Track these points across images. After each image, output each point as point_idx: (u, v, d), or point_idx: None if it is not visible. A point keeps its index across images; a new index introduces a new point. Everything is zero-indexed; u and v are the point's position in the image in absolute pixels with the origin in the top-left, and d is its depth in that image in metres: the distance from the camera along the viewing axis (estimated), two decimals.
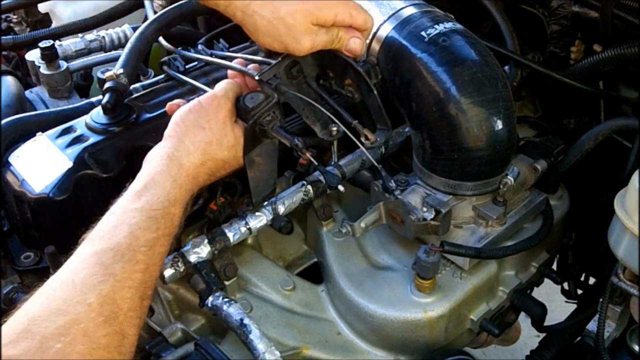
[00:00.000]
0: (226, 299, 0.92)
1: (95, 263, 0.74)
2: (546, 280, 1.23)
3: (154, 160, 0.86)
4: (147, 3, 1.35)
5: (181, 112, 0.91)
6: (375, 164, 0.95)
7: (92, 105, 1.12)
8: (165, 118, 0.96)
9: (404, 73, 1.00)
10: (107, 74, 1.05)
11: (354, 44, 0.92)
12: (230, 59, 1.07)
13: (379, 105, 0.93)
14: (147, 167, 0.86)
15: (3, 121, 1.06)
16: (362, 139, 0.90)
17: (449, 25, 1.00)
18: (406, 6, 1.03)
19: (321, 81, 0.98)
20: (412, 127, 1.04)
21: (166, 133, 0.90)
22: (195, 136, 0.88)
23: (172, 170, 0.85)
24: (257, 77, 0.91)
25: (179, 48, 1.24)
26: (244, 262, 1.07)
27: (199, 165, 0.88)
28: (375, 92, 0.92)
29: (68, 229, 0.99)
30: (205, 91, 1.04)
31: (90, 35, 1.39)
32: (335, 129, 0.95)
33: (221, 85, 0.94)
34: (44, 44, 1.29)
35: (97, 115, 1.05)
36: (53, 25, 1.64)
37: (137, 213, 0.79)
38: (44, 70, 1.31)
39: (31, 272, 1.01)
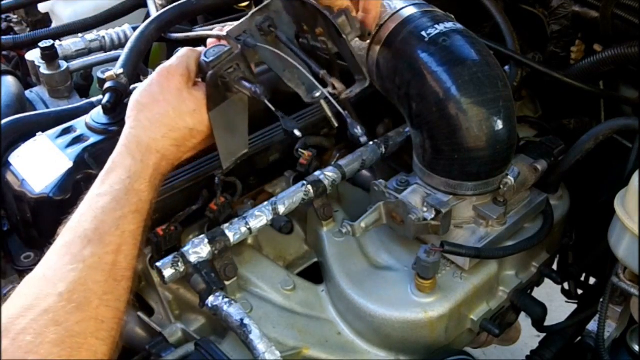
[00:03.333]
0: (226, 299, 0.92)
1: (64, 254, 0.74)
2: (546, 280, 1.23)
3: (117, 146, 0.87)
4: (149, 2, 1.35)
5: (136, 92, 0.91)
6: (341, 110, 0.89)
7: (92, 105, 1.12)
8: None
9: (404, 73, 1.00)
10: (107, 73, 1.05)
11: None
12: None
13: (351, 53, 0.89)
14: (111, 155, 0.87)
15: (3, 121, 1.06)
16: (330, 89, 0.87)
17: (449, 25, 1.00)
18: (406, 6, 1.03)
19: (301, 40, 0.95)
20: (413, 127, 1.04)
21: (126, 115, 0.91)
22: (151, 111, 0.88)
23: (131, 148, 0.85)
24: (225, 33, 0.89)
25: (178, 48, 1.24)
26: (244, 262, 1.07)
27: (160, 138, 0.87)
28: (345, 36, 0.88)
29: None
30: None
31: (90, 35, 1.39)
32: (317, 94, 0.90)
33: (175, 55, 0.94)
34: (44, 44, 1.29)
35: (97, 115, 1.05)
36: (53, 25, 1.64)
37: (101, 197, 0.80)
38: (44, 70, 1.30)
39: None
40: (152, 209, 0.86)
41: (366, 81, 0.91)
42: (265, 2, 0.91)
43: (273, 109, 0.89)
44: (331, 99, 0.88)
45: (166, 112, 0.88)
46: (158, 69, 0.92)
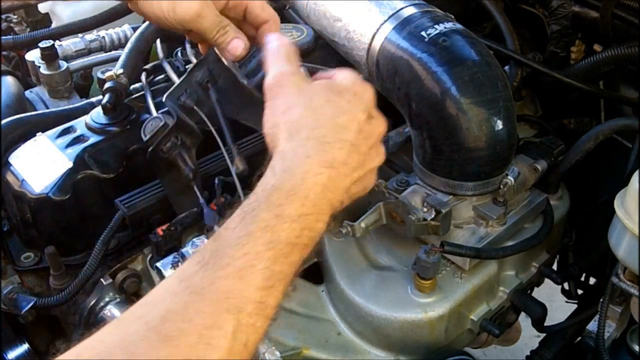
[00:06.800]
0: None
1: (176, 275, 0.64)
2: (546, 280, 1.23)
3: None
4: None
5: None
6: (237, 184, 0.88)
7: (92, 105, 1.12)
8: None
9: (404, 73, 1.00)
10: (107, 74, 1.05)
11: (237, 44, 0.82)
12: None
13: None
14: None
15: (3, 121, 1.06)
16: (235, 169, 0.86)
17: (449, 25, 1.00)
18: (406, 6, 1.03)
19: None
20: (412, 127, 1.04)
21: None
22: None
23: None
24: (164, 98, 0.87)
25: (178, 49, 1.24)
26: None
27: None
28: None
29: (68, 229, 0.99)
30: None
31: (90, 35, 1.38)
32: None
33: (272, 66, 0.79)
34: (44, 44, 1.28)
35: (97, 115, 1.05)
36: (53, 25, 1.64)
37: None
38: (44, 70, 1.30)
39: (31, 272, 1.01)
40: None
41: None
42: (202, 57, 0.88)
43: (198, 194, 0.88)
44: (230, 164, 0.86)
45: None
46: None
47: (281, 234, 0.62)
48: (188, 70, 0.87)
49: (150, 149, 0.88)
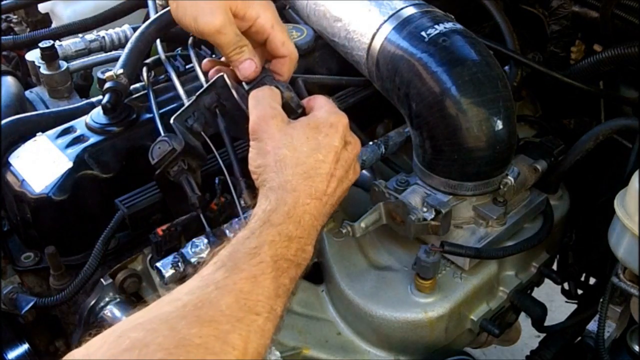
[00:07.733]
0: None
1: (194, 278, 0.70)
2: (546, 280, 1.23)
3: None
4: (150, 3, 1.35)
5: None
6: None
7: (92, 106, 1.12)
8: (166, 118, 0.96)
9: (404, 73, 0.99)
10: (107, 74, 1.05)
11: (248, 65, 0.86)
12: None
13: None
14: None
15: (3, 121, 1.06)
16: (242, 202, 0.88)
17: (449, 25, 1.00)
18: (406, 6, 1.03)
19: None
20: (412, 127, 1.04)
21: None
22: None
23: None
24: (171, 120, 0.88)
25: (178, 49, 1.24)
26: None
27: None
28: None
29: (68, 229, 0.99)
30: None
31: (90, 36, 1.39)
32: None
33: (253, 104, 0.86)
34: (44, 44, 1.28)
35: (97, 115, 1.05)
36: (53, 25, 1.64)
37: None
38: (44, 70, 1.30)
39: (31, 272, 1.01)
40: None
41: None
42: (210, 82, 0.89)
43: (205, 223, 0.91)
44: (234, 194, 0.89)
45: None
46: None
47: (283, 250, 0.72)
48: (196, 94, 0.90)
49: (157, 172, 0.90)
